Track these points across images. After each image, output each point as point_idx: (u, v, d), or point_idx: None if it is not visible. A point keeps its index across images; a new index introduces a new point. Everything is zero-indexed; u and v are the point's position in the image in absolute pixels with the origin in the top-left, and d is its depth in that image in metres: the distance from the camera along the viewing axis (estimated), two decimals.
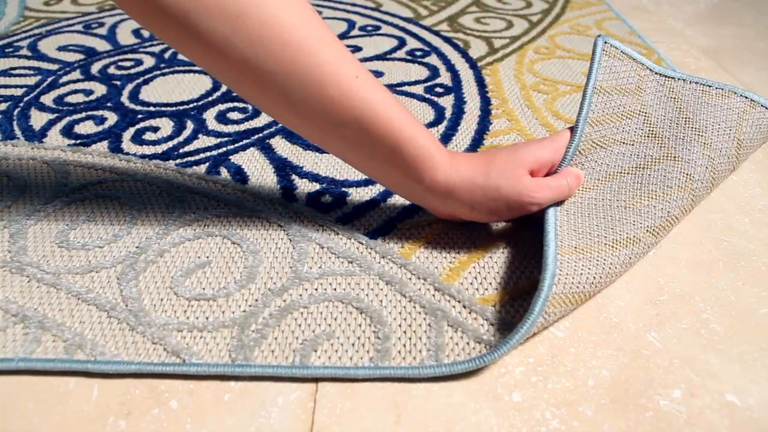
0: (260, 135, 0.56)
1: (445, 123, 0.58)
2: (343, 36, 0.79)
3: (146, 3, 0.32)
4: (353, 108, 0.35)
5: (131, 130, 0.57)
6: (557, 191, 0.39)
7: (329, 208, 0.46)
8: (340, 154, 0.40)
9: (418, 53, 0.74)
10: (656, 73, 0.44)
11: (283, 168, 0.51)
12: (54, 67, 0.71)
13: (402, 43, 0.77)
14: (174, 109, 0.61)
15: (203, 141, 0.55)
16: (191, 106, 0.62)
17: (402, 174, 0.39)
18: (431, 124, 0.57)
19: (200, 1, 0.31)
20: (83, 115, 0.60)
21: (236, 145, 0.55)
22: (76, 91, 0.65)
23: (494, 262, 0.41)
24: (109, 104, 0.62)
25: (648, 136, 0.42)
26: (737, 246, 0.43)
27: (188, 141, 0.55)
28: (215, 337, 0.35)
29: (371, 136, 0.36)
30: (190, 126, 0.58)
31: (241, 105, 0.62)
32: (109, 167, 0.51)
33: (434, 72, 0.69)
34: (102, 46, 0.77)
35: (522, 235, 0.43)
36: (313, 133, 0.38)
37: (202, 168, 0.51)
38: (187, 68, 0.70)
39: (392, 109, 0.36)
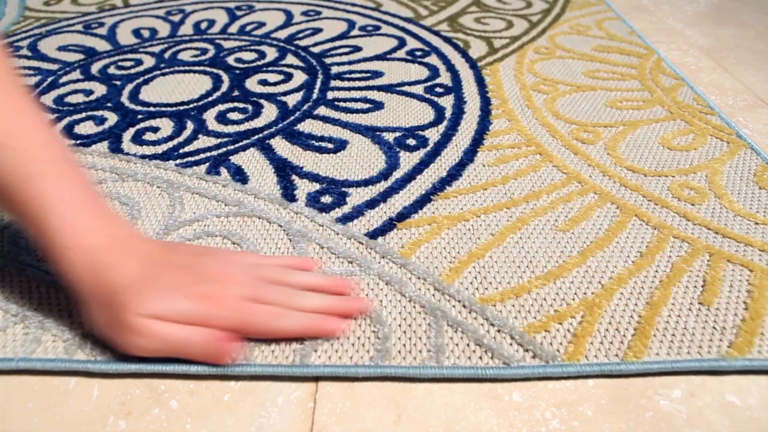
0: (260, 135, 0.56)
1: (445, 123, 0.58)
2: (343, 36, 0.79)
3: None
4: None
5: (131, 131, 0.57)
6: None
7: (329, 208, 0.46)
8: None
9: (418, 53, 0.74)
10: None
11: (283, 168, 0.51)
12: (54, 67, 0.71)
13: (402, 43, 0.77)
14: (174, 109, 0.61)
15: (203, 141, 0.55)
16: (191, 106, 0.62)
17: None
18: (431, 124, 0.57)
19: None
20: (83, 115, 0.60)
21: (236, 145, 0.55)
22: (76, 91, 0.65)
23: (494, 262, 0.41)
24: (109, 104, 0.62)
25: None
26: None
27: (188, 141, 0.55)
28: None
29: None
30: (190, 126, 0.58)
31: (241, 105, 0.62)
32: (109, 167, 0.51)
33: (434, 72, 0.69)
34: (102, 46, 0.77)
35: (523, 233, 0.43)
36: None
37: (202, 168, 0.51)
38: (187, 68, 0.70)
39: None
